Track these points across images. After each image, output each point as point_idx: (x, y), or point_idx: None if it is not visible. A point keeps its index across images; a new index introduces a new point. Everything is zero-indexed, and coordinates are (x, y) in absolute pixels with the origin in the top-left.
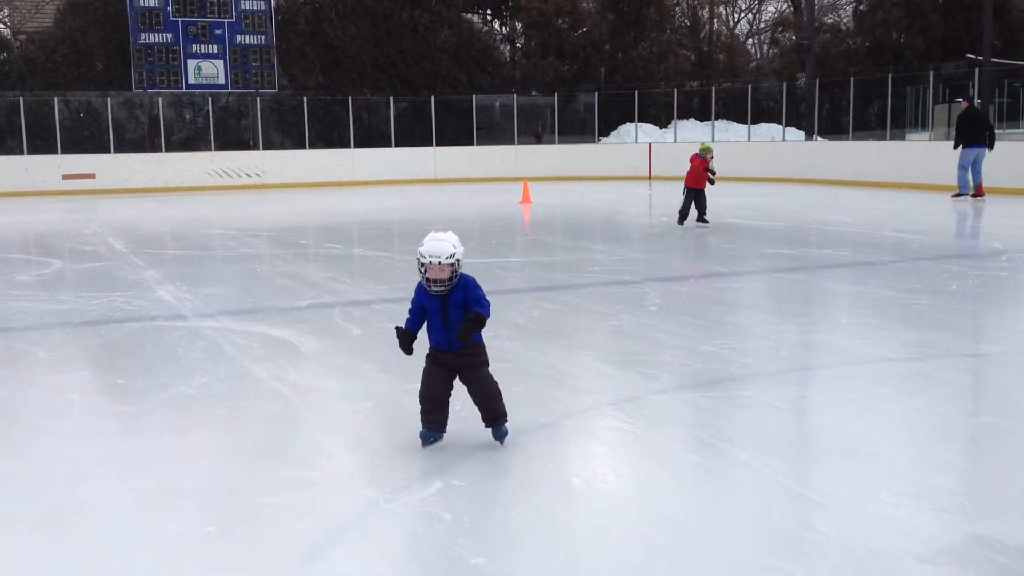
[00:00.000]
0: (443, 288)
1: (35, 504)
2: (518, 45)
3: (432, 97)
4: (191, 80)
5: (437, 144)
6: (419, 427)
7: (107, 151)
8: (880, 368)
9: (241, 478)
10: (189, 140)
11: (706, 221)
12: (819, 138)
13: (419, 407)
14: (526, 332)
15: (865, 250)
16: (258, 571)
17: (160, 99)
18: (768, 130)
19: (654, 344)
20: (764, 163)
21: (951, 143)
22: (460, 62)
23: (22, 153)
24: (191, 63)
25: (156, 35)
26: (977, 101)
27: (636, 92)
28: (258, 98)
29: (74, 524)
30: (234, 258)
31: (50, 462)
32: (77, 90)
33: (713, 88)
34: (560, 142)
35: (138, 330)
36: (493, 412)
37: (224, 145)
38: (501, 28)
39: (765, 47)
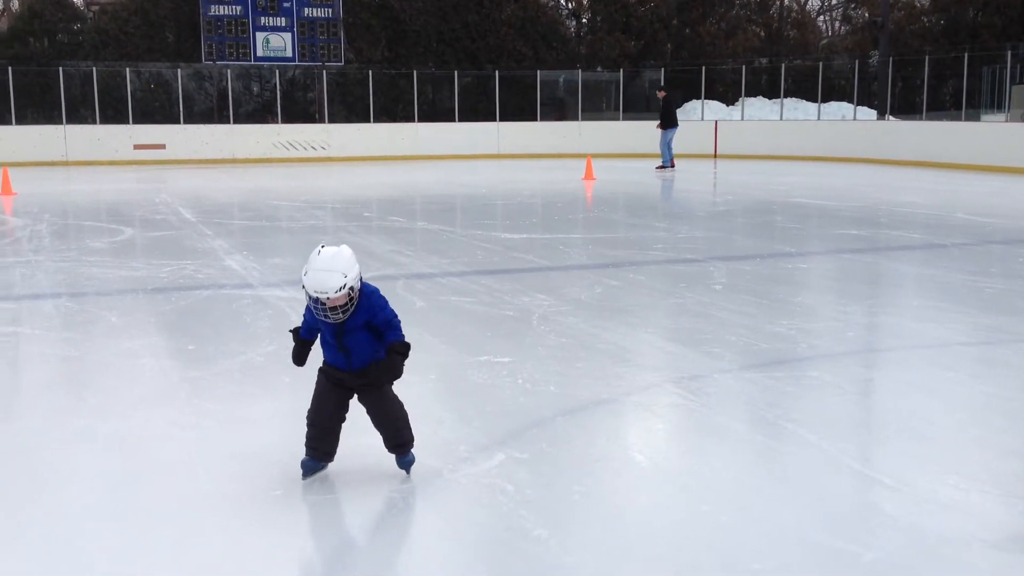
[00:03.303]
0: (339, 317)
1: (109, 465)
2: (584, 20)
3: (496, 72)
4: (259, 52)
5: (500, 119)
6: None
7: (177, 122)
8: (949, 352)
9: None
10: (256, 112)
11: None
12: (891, 117)
13: (306, 430)
14: (588, 308)
15: (937, 232)
16: (324, 535)
17: (229, 71)
18: (838, 109)
19: (718, 323)
20: (833, 142)
21: None
22: (525, 37)
23: (95, 123)
24: (259, 35)
25: (226, 7)
26: None
27: (703, 69)
28: (324, 71)
29: (146, 485)
30: (300, 229)
31: (123, 424)
32: (148, 61)
33: (783, 65)
34: (624, 119)
35: (207, 298)
36: (398, 438)
37: (290, 118)
38: (567, 3)
39: (837, 24)
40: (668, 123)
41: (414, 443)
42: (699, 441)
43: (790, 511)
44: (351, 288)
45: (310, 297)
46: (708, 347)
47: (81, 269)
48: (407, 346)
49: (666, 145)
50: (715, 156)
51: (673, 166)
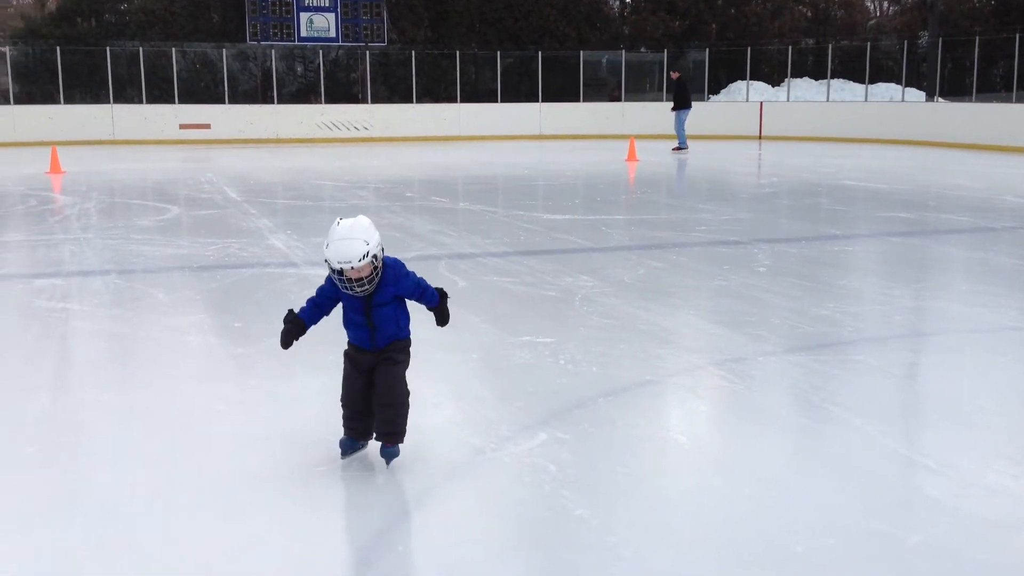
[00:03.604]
0: (365, 288)
1: (155, 438)
2: (627, 0)
3: (539, 52)
4: (303, 33)
5: (543, 100)
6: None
7: (222, 102)
8: (998, 336)
9: None
10: (300, 93)
11: None
12: (940, 99)
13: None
14: (631, 289)
15: (986, 215)
16: (366, 512)
17: (273, 51)
18: (886, 90)
19: (762, 305)
20: (881, 124)
21: None
22: (568, 17)
23: (141, 102)
24: (303, 16)
25: None
26: None
27: (748, 49)
28: (367, 52)
29: (193, 460)
30: (343, 209)
31: (170, 399)
32: (194, 41)
33: (830, 46)
34: (668, 100)
35: (252, 276)
36: (391, 425)
37: (333, 98)
38: None
39: (885, 4)
40: (681, 104)
41: (403, 438)
42: (743, 423)
43: (834, 494)
44: (374, 256)
45: (334, 271)
46: (752, 329)
47: (129, 247)
48: (445, 295)
49: (680, 126)
50: (760, 137)
51: (685, 148)
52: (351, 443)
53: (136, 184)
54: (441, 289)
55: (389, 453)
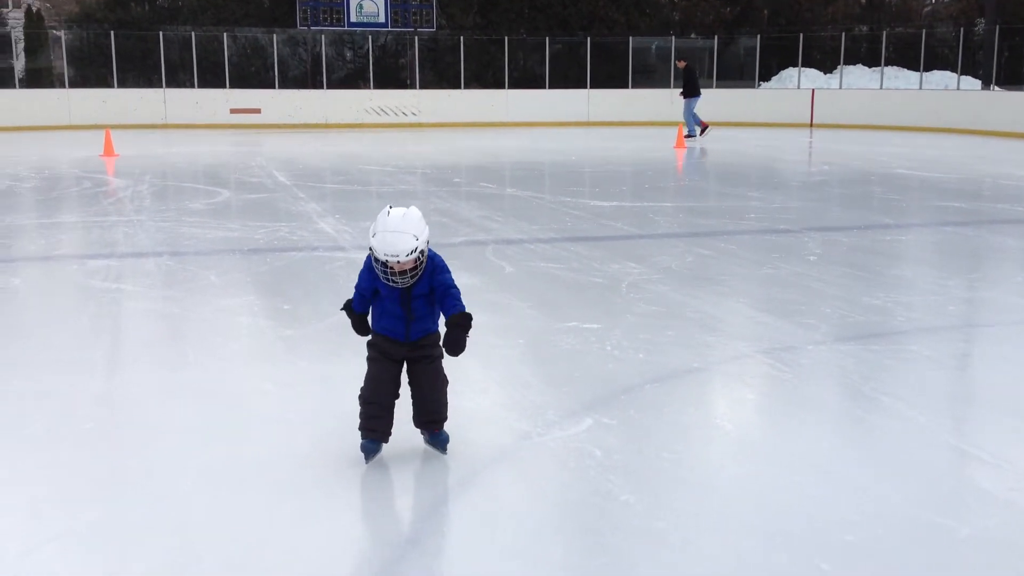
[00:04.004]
0: (407, 281)
1: (207, 417)
2: None
3: (588, 38)
4: (352, 18)
5: (591, 86)
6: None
7: (272, 87)
8: None
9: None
10: (349, 78)
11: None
12: (997, 88)
13: (360, 410)
14: (678, 276)
15: None
16: (414, 494)
17: (322, 37)
18: (941, 78)
19: (812, 294)
20: (936, 113)
21: None
22: (617, 3)
23: (193, 87)
24: (353, 1)
25: None
26: None
27: (800, 36)
28: (416, 37)
29: (243, 439)
30: (391, 194)
31: (221, 379)
32: (244, 26)
33: (884, 32)
34: (718, 87)
35: (301, 259)
36: (435, 414)
37: (382, 83)
38: None
39: None
40: (691, 92)
41: (446, 422)
42: (791, 412)
43: (884, 484)
44: (421, 252)
45: (377, 260)
46: (802, 318)
47: (181, 229)
48: (468, 318)
49: (691, 114)
50: (811, 125)
51: (695, 135)
52: (373, 445)
53: (188, 168)
54: (467, 315)
55: (440, 439)
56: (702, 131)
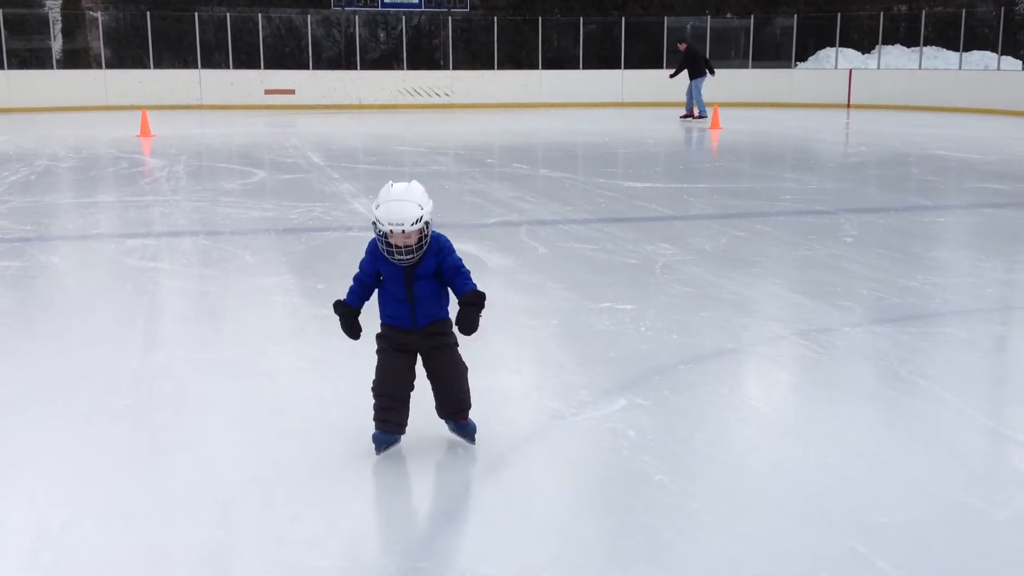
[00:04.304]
0: (411, 257)
1: (243, 393)
2: None
3: (622, 18)
4: None
5: (625, 67)
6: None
7: (306, 68)
8: None
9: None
10: (382, 59)
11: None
12: None
13: (373, 402)
14: (712, 258)
15: None
16: (448, 472)
17: (356, 18)
18: (981, 58)
19: (849, 276)
20: (976, 93)
21: None
22: None
23: (228, 68)
24: None
25: None
26: None
27: (838, 15)
28: (450, 18)
29: (278, 415)
30: (423, 175)
31: (257, 357)
32: (279, 7)
33: (923, 12)
34: (754, 67)
35: (335, 239)
36: (459, 403)
37: (415, 64)
38: None
39: None
40: (697, 73)
41: (471, 410)
42: (827, 394)
43: (920, 466)
44: (426, 223)
45: (381, 235)
46: (837, 300)
47: (216, 209)
48: (481, 296)
49: (698, 94)
50: (848, 106)
51: (694, 116)
52: (386, 436)
53: (223, 148)
54: (480, 292)
55: (468, 429)
56: (689, 115)
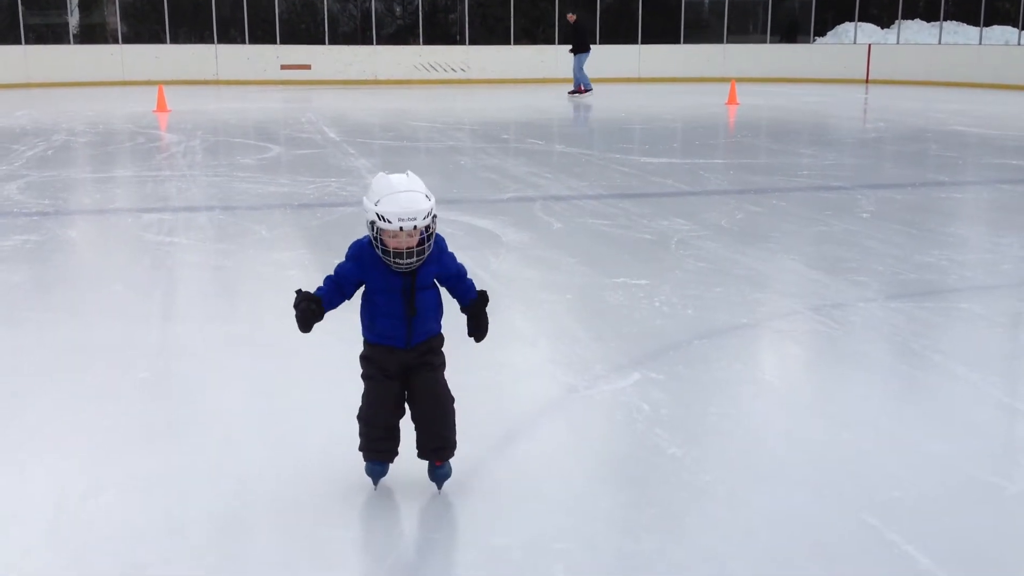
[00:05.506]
0: (414, 261)
1: (260, 368)
2: None
3: None
4: None
5: (642, 42)
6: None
7: (322, 43)
8: None
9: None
10: (398, 34)
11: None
12: None
13: (360, 429)
14: (728, 233)
15: None
16: (462, 444)
17: None
18: (1002, 33)
19: (865, 251)
20: (996, 69)
21: None
22: None
23: (244, 43)
24: None
25: None
26: None
27: None
28: None
29: (294, 388)
30: (439, 150)
31: (273, 331)
32: None
33: None
34: (772, 42)
35: (351, 214)
36: (440, 440)
37: (431, 39)
38: None
39: None
40: (580, 48)
41: (454, 453)
42: (841, 369)
43: (933, 441)
44: (435, 217)
45: (383, 233)
46: (853, 275)
47: (232, 184)
48: (487, 297)
49: (579, 69)
50: (867, 81)
51: (588, 91)
52: (379, 467)
53: (239, 123)
54: (483, 291)
55: (442, 475)
56: (578, 91)
